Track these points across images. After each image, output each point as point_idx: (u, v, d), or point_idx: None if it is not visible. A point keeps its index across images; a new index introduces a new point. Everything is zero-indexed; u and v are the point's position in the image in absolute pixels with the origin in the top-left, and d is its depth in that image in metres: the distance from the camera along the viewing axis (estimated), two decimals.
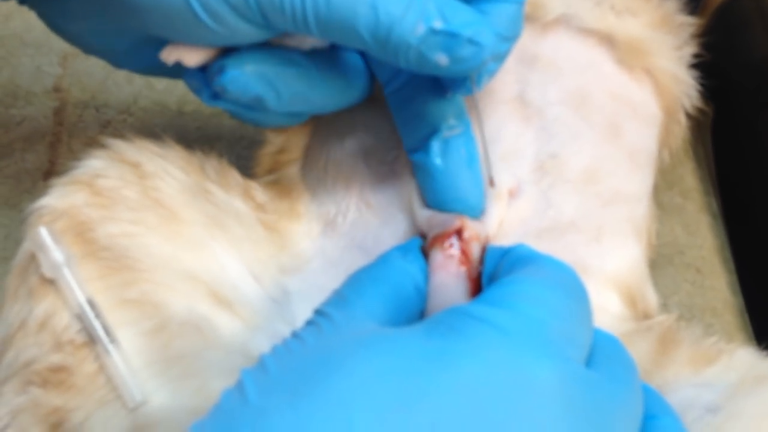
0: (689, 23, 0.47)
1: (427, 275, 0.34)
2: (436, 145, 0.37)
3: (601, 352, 0.29)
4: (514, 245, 0.32)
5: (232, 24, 0.33)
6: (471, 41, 0.32)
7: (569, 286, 0.29)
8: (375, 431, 0.23)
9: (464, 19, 0.32)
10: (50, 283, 0.37)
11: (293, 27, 0.32)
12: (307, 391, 0.24)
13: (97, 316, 0.36)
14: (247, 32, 0.33)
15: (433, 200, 0.38)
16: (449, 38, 0.32)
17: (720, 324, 0.52)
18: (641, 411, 0.28)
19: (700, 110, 0.48)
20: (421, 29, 0.31)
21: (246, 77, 0.36)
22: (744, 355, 0.39)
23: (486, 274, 0.33)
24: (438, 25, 0.31)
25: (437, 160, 0.37)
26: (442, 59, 0.32)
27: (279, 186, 0.44)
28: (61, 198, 0.38)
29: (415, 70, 0.33)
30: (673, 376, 0.39)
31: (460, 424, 0.23)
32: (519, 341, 0.25)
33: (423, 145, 0.37)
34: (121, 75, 0.57)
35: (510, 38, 0.34)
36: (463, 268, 0.34)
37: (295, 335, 0.27)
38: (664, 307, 0.51)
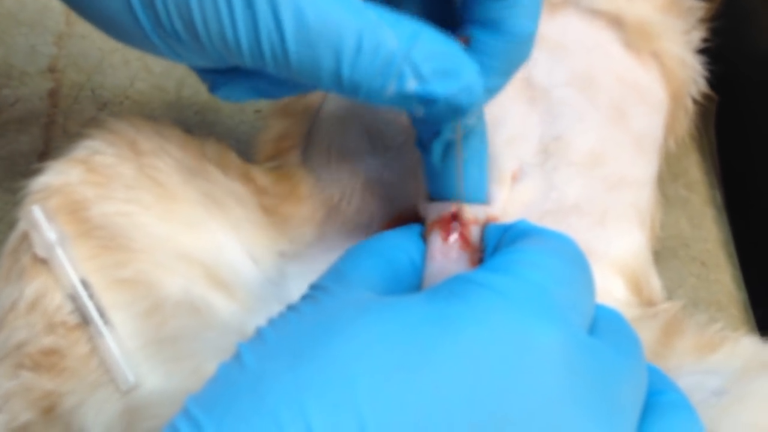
0: (698, 8, 0.47)
1: (423, 254, 0.33)
2: (437, 148, 0.35)
3: (605, 325, 0.28)
4: (514, 221, 0.32)
5: (191, 60, 0.31)
6: (449, 102, 0.29)
7: (571, 255, 0.28)
8: (378, 394, 0.22)
9: (445, 79, 0.29)
10: (42, 262, 0.36)
11: (255, 68, 0.31)
12: (307, 355, 0.23)
13: (91, 296, 0.36)
14: (209, 64, 0.32)
15: (434, 194, 0.37)
16: (423, 100, 0.29)
17: (725, 318, 0.52)
18: (645, 384, 0.28)
19: (706, 98, 0.48)
20: (391, 91, 0.29)
21: (238, 92, 0.35)
22: (748, 343, 0.39)
23: (487, 253, 0.32)
24: (412, 86, 0.29)
25: (438, 163, 0.36)
26: (418, 111, 0.30)
27: (281, 171, 0.44)
28: (55, 175, 0.37)
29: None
30: (677, 364, 0.39)
31: (463, 387, 0.23)
32: (521, 306, 0.25)
33: (428, 143, 0.36)
34: (118, 56, 0.56)
35: (507, 73, 0.32)
36: (462, 252, 0.34)
37: (291, 308, 0.27)
38: (669, 300, 0.51)
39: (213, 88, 0.35)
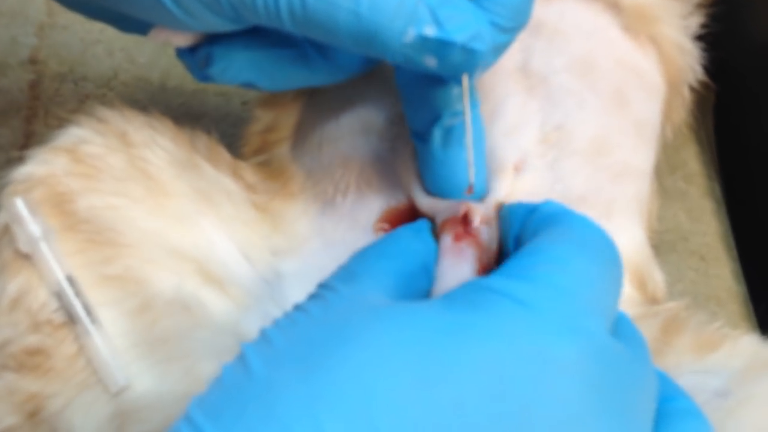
0: None
1: (436, 257, 0.33)
2: (438, 134, 0.35)
3: (618, 329, 0.28)
4: (542, 202, 0.31)
5: (204, 18, 0.31)
6: (465, 48, 0.30)
7: (599, 249, 0.28)
8: (395, 409, 0.22)
9: (460, 22, 0.30)
10: (25, 258, 0.35)
11: (268, 24, 0.31)
12: (319, 363, 0.22)
13: (77, 293, 0.35)
14: (222, 25, 0.32)
15: (432, 187, 0.37)
16: (441, 45, 0.30)
17: (724, 313, 0.52)
18: (656, 390, 0.27)
19: (704, 87, 0.48)
20: (410, 36, 0.30)
21: (235, 67, 0.34)
22: (748, 341, 0.39)
23: (512, 236, 0.32)
24: (429, 32, 0.29)
25: (438, 150, 0.35)
26: (431, 62, 0.30)
27: (270, 166, 0.43)
28: (39, 165, 0.36)
29: (400, 65, 0.32)
30: (675, 362, 0.38)
31: (483, 403, 0.22)
32: (541, 315, 0.24)
33: (425, 132, 0.36)
34: (101, 47, 0.55)
35: (512, 30, 0.32)
36: (473, 252, 0.33)
37: (299, 308, 0.26)
38: (668, 295, 0.50)
39: (208, 64, 0.34)
